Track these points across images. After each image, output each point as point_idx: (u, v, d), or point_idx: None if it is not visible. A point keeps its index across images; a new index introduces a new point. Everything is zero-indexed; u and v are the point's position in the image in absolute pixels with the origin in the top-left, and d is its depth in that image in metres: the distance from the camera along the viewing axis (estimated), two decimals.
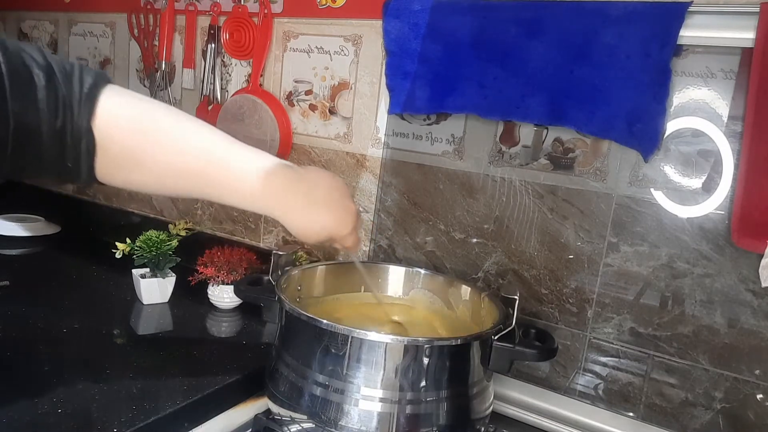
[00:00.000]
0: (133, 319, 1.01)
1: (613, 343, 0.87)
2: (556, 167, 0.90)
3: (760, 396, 0.78)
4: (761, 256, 0.75)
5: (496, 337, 0.74)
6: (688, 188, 0.81)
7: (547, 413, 0.90)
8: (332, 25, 1.09)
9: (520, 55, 0.89)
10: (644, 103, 0.81)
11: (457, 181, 0.98)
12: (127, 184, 0.61)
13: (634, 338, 0.86)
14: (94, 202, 1.54)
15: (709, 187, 0.80)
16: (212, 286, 1.06)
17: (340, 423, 0.70)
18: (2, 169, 0.53)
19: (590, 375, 0.90)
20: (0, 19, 1.70)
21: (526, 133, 0.92)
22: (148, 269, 1.06)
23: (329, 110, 1.12)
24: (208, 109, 1.26)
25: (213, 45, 1.24)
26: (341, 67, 1.09)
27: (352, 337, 0.69)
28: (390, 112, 1.03)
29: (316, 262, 1.05)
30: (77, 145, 0.55)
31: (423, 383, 0.70)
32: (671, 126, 0.82)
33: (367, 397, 0.69)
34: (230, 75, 1.24)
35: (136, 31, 1.36)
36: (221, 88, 1.26)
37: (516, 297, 0.76)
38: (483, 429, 0.77)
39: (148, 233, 1.05)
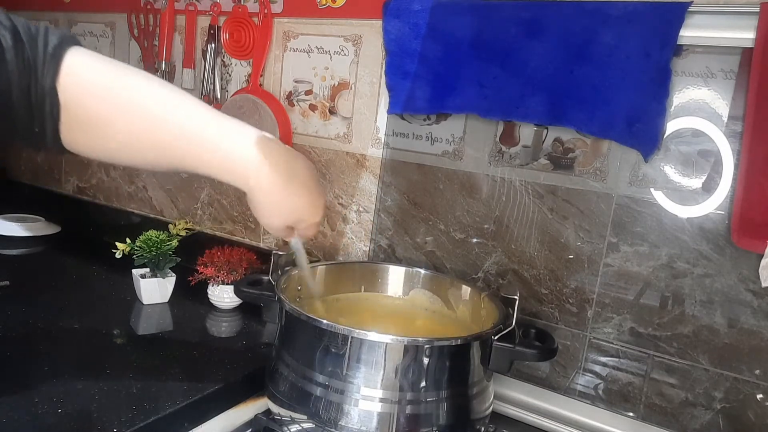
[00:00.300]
0: (133, 319, 1.01)
1: (613, 343, 0.87)
2: (556, 167, 0.90)
3: (760, 396, 0.78)
4: (761, 256, 0.75)
5: (496, 337, 0.74)
6: (688, 188, 0.81)
7: (547, 413, 0.90)
8: (332, 25, 1.09)
9: (520, 55, 0.89)
10: (644, 103, 0.81)
11: (457, 181, 0.98)
12: (92, 152, 0.59)
13: (634, 338, 0.86)
14: (94, 202, 1.54)
15: (709, 187, 0.80)
16: (212, 286, 1.06)
17: (340, 423, 0.70)
18: None
19: (590, 375, 0.90)
20: None
21: (526, 133, 0.92)
22: (148, 269, 1.06)
23: (329, 110, 1.12)
24: None
25: (213, 45, 1.24)
26: (341, 67, 1.09)
27: (352, 337, 0.69)
28: (390, 112, 1.03)
29: (316, 262, 1.05)
30: (41, 106, 0.54)
31: (423, 383, 0.70)
32: (671, 126, 0.82)
33: (367, 397, 0.69)
34: (230, 75, 1.24)
35: (136, 31, 1.36)
36: (221, 88, 1.26)
37: (516, 297, 0.76)
38: (483, 429, 0.77)
39: (148, 233, 1.05)
